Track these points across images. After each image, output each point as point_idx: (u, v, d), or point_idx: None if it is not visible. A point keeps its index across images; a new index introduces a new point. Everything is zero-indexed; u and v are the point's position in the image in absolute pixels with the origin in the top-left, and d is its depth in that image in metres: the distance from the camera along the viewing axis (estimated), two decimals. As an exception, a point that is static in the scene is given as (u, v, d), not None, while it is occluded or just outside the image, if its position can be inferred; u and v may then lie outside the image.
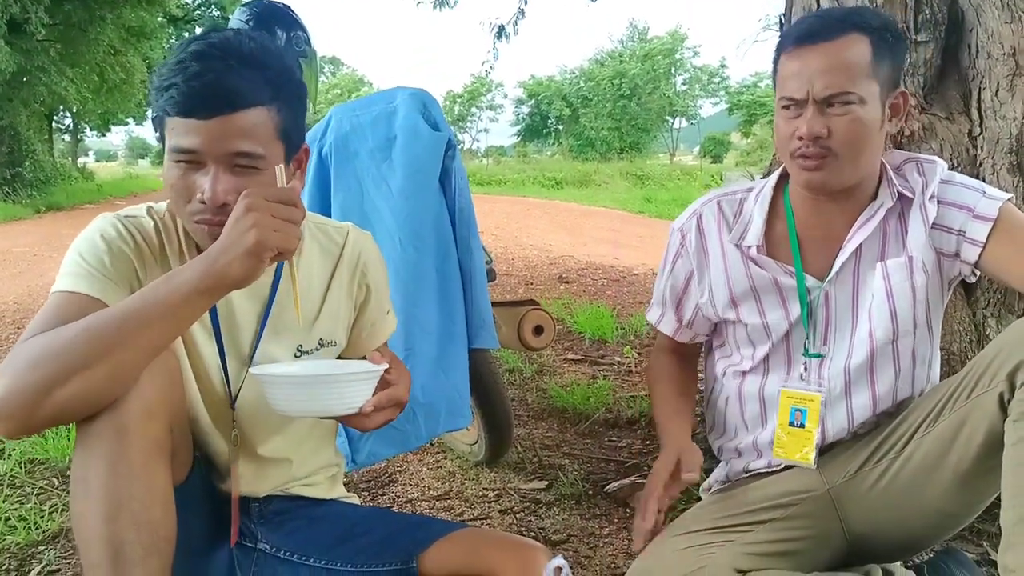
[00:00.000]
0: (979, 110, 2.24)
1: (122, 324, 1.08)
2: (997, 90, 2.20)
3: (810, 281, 1.59)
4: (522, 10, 7.47)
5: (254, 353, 1.37)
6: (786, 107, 1.50)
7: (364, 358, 1.38)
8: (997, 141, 2.19)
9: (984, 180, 2.18)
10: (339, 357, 1.50)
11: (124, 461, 1.08)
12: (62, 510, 2.34)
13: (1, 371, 1.05)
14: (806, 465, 1.59)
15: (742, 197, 1.69)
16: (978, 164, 2.23)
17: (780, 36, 1.58)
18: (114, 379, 1.08)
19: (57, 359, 1.04)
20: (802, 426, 1.60)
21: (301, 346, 1.41)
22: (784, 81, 1.50)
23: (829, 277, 1.57)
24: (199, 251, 1.31)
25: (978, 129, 2.24)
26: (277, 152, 1.23)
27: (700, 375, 1.95)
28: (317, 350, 1.43)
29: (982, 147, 2.23)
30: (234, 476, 1.37)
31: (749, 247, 1.62)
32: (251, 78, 1.18)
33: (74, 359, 1.04)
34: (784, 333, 1.62)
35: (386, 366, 1.29)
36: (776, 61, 1.56)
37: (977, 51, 2.24)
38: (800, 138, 1.47)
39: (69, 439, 2.77)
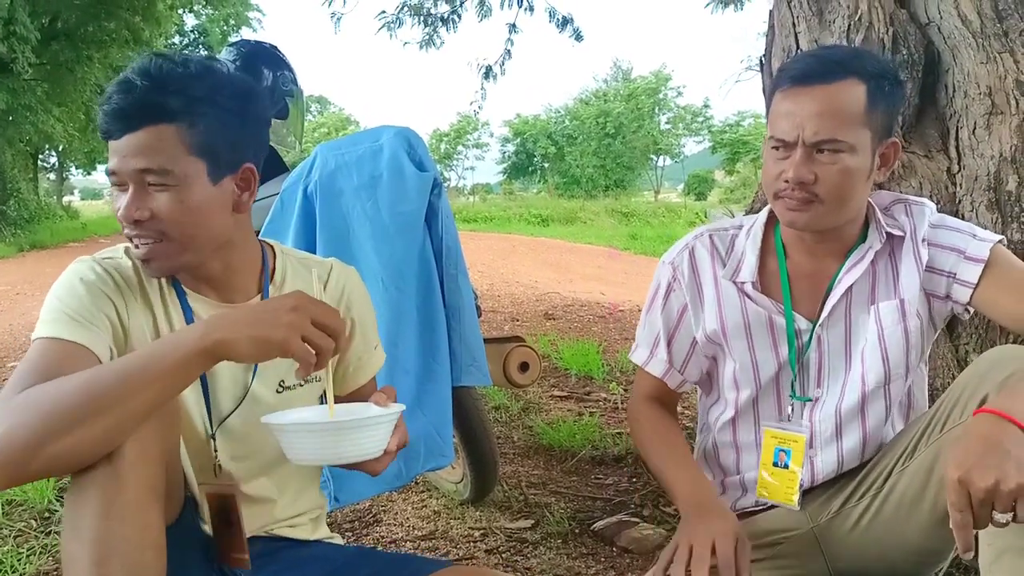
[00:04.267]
0: (957, 148, 2.28)
1: (123, 381, 1.06)
2: (974, 128, 2.23)
3: (802, 322, 1.58)
4: (508, 51, 7.56)
5: (245, 395, 1.37)
6: (775, 147, 1.49)
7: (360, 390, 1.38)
8: (975, 179, 2.22)
9: (963, 217, 2.21)
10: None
11: (117, 503, 1.06)
12: (40, 553, 2.30)
13: None
14: (790, 507, 1.58)
15: (733, 234, 1.67)
16: (957, 201, 2.26)
17: (778, 70, 1.57)
18: (110, 435, 1.06)
19: (53, 413, 1.03)
20: (786, 467, 1.58)
21: (283, 381, 1.41)
22: (776, 120, 1.49)
23: (821, 320, 1.57)
24: (176, 289, 1.33)
25: (956, 167, 2.28)
26: (194, 169, 1.23)
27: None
28: (301, 385, 1.43)
29: (961, 184, 2.26)
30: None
31: (743, 283, 1.60)
32: (154, 97, 1.20)
33: (71, 414, 1.03)
34: (773, 375, 1.61)
35: (403, 407, 1.28)
36: (770, 97, 1.55)
37: (954, 90, 2.28)
38: (786, 181, 1.46)
39: (48, 481, 2.73)
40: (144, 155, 1.20)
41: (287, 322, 1.09)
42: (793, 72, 1.48)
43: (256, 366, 1.37)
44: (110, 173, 1.23)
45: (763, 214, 1.66)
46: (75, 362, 1.13)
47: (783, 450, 1.58)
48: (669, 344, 1.70)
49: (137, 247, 1.25)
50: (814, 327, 1.57)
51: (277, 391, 1.40)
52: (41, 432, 1.01)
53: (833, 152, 1.42)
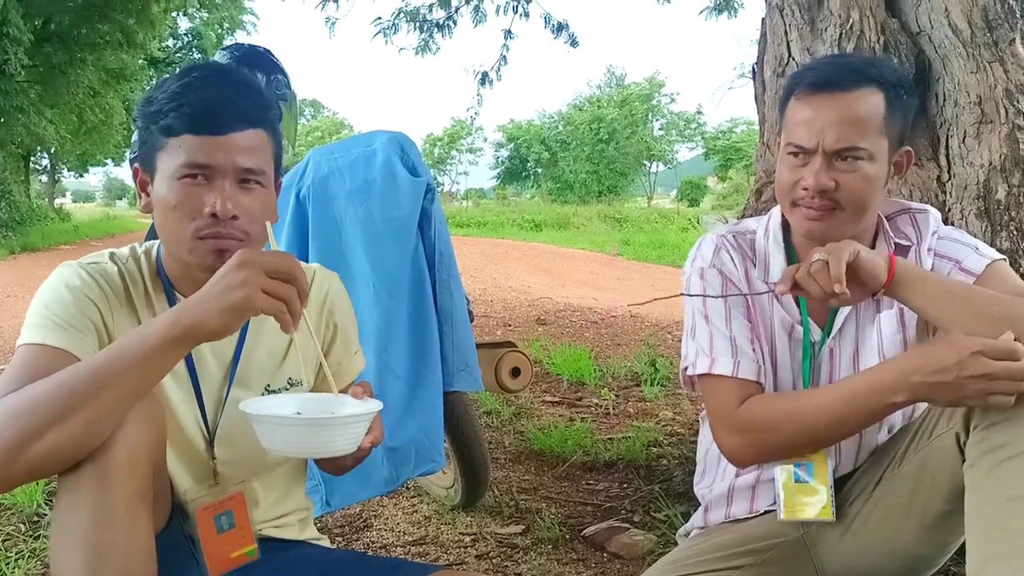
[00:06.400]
0: (947, 157, 2.29)
1: (95, 376, 1.07)
2: (964, 137, 2.25)
3: (815, 332, 1.56)
4: (504, 57, 7.56)
5: (226, 399, 1.36)
6: (793, 154, 1.47)
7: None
8: (965, 187, 2.24)
9: (953, 225, 2.22)
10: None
11: (107, 509, 1.06)
12: (28, 556, 2.29)
13: None
14: (826, 520, 1.51)
15: (751, 237, 1.64)
16: (947, 209, 2.27)
17: (792, 76, 1.55)
18: (89, 432, 1.06)
19: (31, 414, 1.03)
20: (808, 482, 1.52)
21: (269, 385, 1.41)
22: (793, 127, 1.47)
23: (833, 334, 1.56)
24: (167, 294, 1.33)
25: (946, 175, 2.29)
26: (271, 173, 1.31)
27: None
28: (286, 389, 1.43)
29: (951, 193, 2.27)
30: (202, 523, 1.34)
31: (776, 283, 1.53)
32: (255, 101, 1.27)
33: (48, 413, 1.03)
34: (788, 385, 1.58)
35: (380, 405, 1.27)
36: (785, 102, 1.52)
37: (944, 99, 2.30)
38: (805, 189, 1.44)
39: (37, 484, 2.72)
40: (252, 155, 1.25)
41: (240, 280, 1.08)
42: (811, 79, 1.46)
43: (233, 372, 1.37)
44: (198, 166, 1.22)
45: (776, 216, 1.63)
46: (59, 367, 1.12)
47: (801, 465, 1.52)
48: (751, 342, 1.56)
49: (216, 242, 1.24)
50: (826, 339, 1.56)
51: (262, 395, 1.40)
52: (19, 435, 1.02)
53: (853, 160, 1.42)
